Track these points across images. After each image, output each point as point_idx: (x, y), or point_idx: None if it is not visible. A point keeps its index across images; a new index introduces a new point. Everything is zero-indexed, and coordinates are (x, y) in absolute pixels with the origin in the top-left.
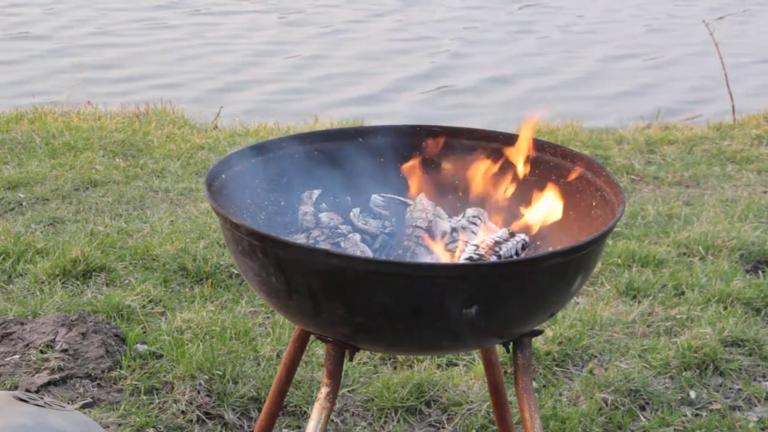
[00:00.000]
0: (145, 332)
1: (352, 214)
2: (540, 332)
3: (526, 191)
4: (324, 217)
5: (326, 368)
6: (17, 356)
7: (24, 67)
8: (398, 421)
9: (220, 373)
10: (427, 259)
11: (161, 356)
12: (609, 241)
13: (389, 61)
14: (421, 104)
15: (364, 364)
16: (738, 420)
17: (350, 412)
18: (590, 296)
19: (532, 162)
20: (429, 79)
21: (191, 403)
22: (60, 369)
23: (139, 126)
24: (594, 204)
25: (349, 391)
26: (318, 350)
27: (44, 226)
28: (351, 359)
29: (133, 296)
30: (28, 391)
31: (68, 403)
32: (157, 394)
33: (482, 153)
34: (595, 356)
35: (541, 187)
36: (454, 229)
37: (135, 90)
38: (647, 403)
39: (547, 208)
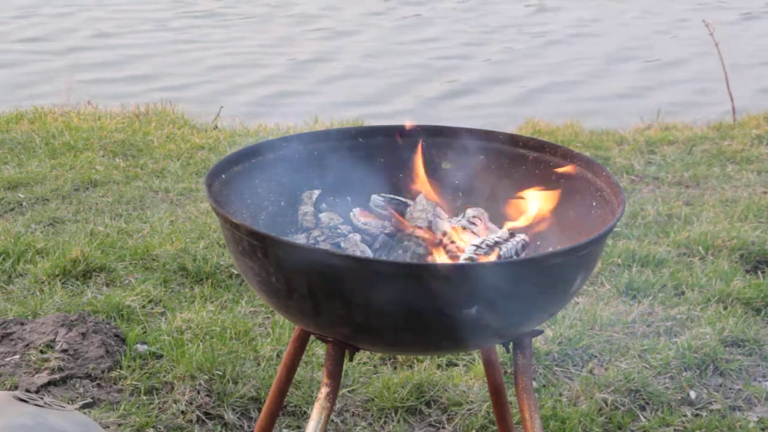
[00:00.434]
0: (145, 332)
1: (352, 214)
2: (540, 332)
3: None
4: (324, 217)
5: (326, 368)
6: (17, 356)
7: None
8: (398, 421)
9: (220, 373)
10: (427, 259)
11: (161, 356)
12: (609, 241)
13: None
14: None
15: (364, 364)
16: (738, 420)
17: (350, 412)
18: (590, 296)
19: (533, 162)
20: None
21: (191, 403)
22: (60, 369)
23: (139, 126)
24: (594, 204)
25: (349, 391)
26: (318, 350)
27: (44, 226)
28: (351, 359)
29: (133, 296)
30: (28, 391)
31: (68, 403)
32: (157, 394)
33: (482, 153)
34: (595, 356)
35: (541, 188)
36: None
37: (135, 90)
38: (647, 403)
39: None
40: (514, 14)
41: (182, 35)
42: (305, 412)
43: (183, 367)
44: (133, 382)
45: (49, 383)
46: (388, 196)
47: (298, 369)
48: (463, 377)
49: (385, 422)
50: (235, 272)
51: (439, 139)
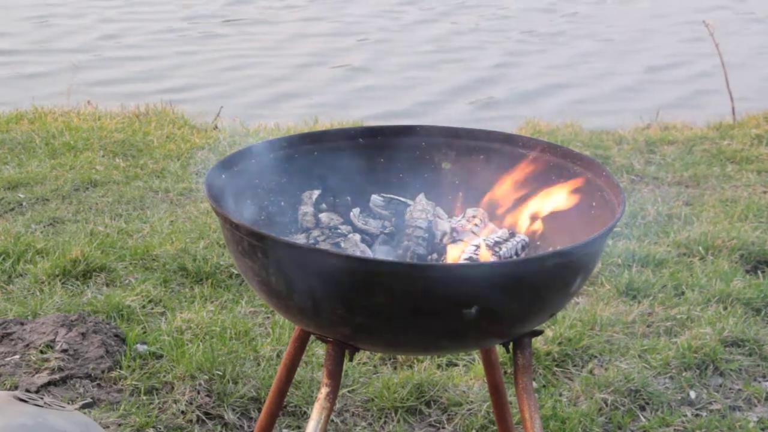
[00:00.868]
0: (145, 332)
1: (352, 214)
2: (540, 332)
3: (525, 191)
4: (324, 217)
5: (326, 368)
6: (17, 356)
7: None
8: (398, 422)
9: (220, 373)
10: (426, 259)
11: (161, 356)
12: (609, 241)
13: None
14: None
15: (364, 364)
16: (738, 420)
17: (350, 412)
18: (590, 296)
19: (533, 162)
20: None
21: (191, 403)
22: (60, 369)
23: (139, 126)
24: (594, 204)
25: (349, 391)
26: (318, 350)
27: (44, 226)
28: (351, 359)
29: (133, 296)
30: (28, 391)
31: (68, 403)
32: (157, 394)
33: (482, 153)
34: (595, 356)
35: (541, 187)
36: (454, 229)
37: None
38: (647, 403)
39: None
40: (515, 14)
41: (182, 35)
42: (305, 412)
43: (183, 367)
44: (133, 382)
45: (49, 383)
46: (388, 196)
47: (298, 369)
48: (463, 377)
49: (385, 422)
50: (235, 272)
51: (438, 138)
